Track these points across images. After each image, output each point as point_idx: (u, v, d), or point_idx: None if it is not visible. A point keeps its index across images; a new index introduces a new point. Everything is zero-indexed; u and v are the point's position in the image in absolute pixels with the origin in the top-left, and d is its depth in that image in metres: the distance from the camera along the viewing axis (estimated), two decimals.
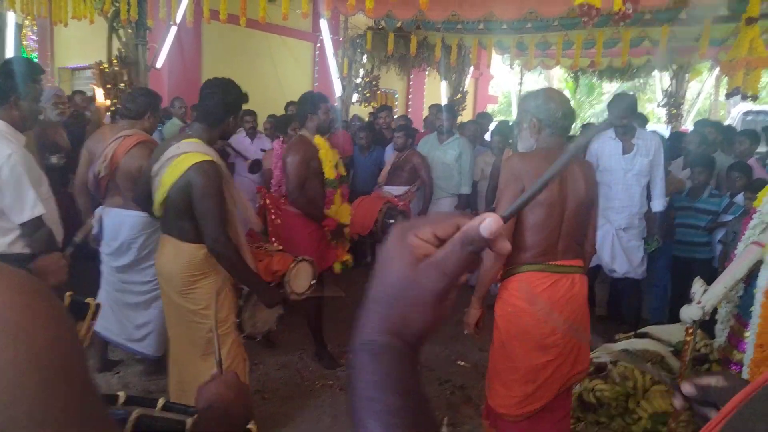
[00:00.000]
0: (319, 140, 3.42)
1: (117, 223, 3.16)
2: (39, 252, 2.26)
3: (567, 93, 18.83)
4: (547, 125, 2.16)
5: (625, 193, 3.93)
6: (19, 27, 8.66)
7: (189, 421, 0.92)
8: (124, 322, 3.31)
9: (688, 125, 10.14)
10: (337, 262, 3.66)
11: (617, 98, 4.00)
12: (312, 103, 3.44)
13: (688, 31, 6.70)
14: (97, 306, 1.67)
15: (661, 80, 10.55)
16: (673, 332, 2.98)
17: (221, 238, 2.32)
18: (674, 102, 9.50)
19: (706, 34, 5.75)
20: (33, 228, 2.29)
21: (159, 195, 2.39)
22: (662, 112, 9.66)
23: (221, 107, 2.45)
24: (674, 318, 3.58)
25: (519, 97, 12.55)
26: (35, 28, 9.66)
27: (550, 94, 2.23)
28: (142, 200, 2.64)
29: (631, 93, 4.35)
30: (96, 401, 0.54)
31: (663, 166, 3.96)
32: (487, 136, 6.78)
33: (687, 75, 9.50)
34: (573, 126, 2.21)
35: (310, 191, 3.42)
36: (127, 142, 3.10)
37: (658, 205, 3.97)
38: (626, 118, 3.85)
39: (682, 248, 4.19)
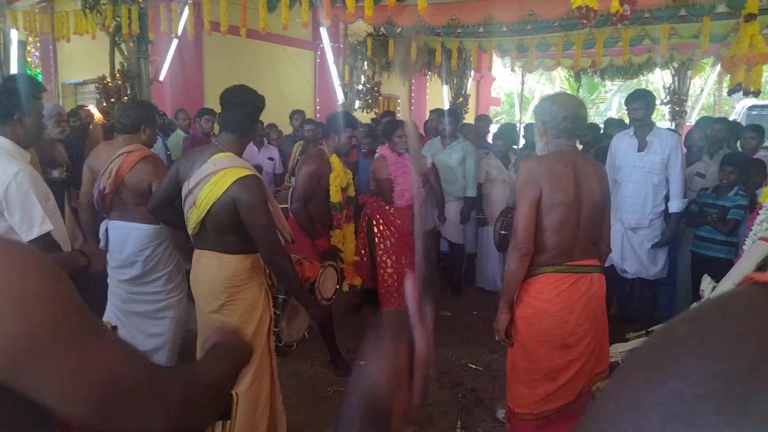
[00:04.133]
0: (334, 160, 3.44)
1: (122, 236, 3.17)
2: None
3: (568, 92, 18.86)
4: (551, 127, 2.20)
5: (636, 191, 3.91)
6: (23, 44, 8.74)
7: None
8: (134, 332, 3.31)
9: (692, 122, 10.11)
10: (345, 282, 3.67)
11: (633, 94, 3.98)
12: (338, 123, 3.48)
13: (689, 28, 6.70)
14: (114, 328, 1.68)
15: (663, 77, 10.53)
16: None
17: (279, 249, 2.33)
18: (677, 99, 9.49)
19: (706, 30, 5.74)
20: (42, 245, 2.31)
21: (196, 213, 2.32)
22: (665, 110, 9.64)
23: (250, 116, 2.44)
24: None
25: (521, 98, 12.57)
26: (38, 44, 9.74)
27: (555, 97, 2.29)
28: (159, 211, 2.63)
29: (648, 90, 4.32)
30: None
31: (681, 166, 3.87)
32: (490, 138, 6.80)
33: (689, 72, 9.49)
34: (578, 127, 2.21)
35: (314, 206, 3.44)
36: (130, 158, 3.12)
37: (675, 205, 3.90)
38: (641, 110, 3.83)
39: (701, 244, 4.05)
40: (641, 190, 3.91)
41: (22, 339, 0.56)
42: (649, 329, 3.26)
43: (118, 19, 6.08)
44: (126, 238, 3.16)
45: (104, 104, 6.17)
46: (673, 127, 9.06)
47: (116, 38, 6.25)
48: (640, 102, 3.88)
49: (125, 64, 6.25)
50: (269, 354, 2.53)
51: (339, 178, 3.43)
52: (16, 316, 0.56)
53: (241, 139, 2.43)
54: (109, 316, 3.26)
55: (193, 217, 2.35)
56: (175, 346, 3.29)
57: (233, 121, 2.42)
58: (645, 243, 3.98)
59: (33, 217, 2.30)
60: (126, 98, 6.05)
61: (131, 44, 6.21)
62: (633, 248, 4.00)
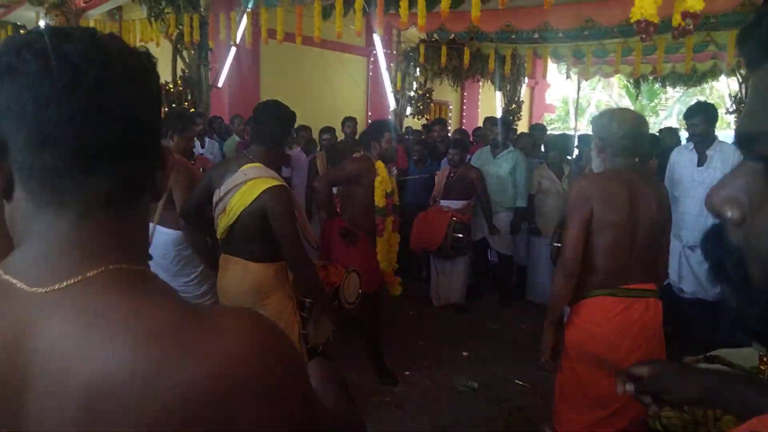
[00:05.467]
0: (379, 165, 3.45)
1: (152, 241, 3.26)
2: None
3: (627, 100, 18.21)
4: (609, 145, 2.12)
5: (696, 208, 3.74)
6: None
7: None
8: None
9: None
10: (396, 286, 3.68)
11: (693, 108, 3.82)
12: (376, 131, 3.54)
13: None
14: None
15: (728, 85, 10.06)
16: (746, 357, 2.80)
17: (303, 257, 2.41)
18: (743, 108, 9.04)
19: None
20: None
21: (226, 219, 2.45)
22: (731, 119, 9.20)
23: (279, 129, 2.54)
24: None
25: (576, 105, 12.26)
26: None
27: (615, 113, 2.20)
28: (191, 215, 2.74)
29: (710, 102, 4.13)
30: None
31: None
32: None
33: None
34: (639, 146, 2.13)
35: (357, 210, 3.47)
36: None
37: None
38: (700, 125, 3.68)
39: None
40: (701, 207, 3.74)
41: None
42: (709, 353, 3.12)
43: (181, 27, 6.34)
44: (156, 240, 3.25)
45: (165, 109, 6.41)
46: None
47: (178, 46, 6.51)
48: (700, 117, 3.71)
49: (186, 70, 6.50)
50: (303, 355, 2.60)
51: (384, 183, 3.43)
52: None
53: (270, 151, 2.53)
54: None
55: (222, 223, 2.47)
56: None
57: (262, 133, 2.54)
58: (704, 262, 3.79)
59: None
60: (186, 104, 6.28)
61: (192, 52, 6.45)
62: (691, 267, 3.82)
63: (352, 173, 3.45)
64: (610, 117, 2.15)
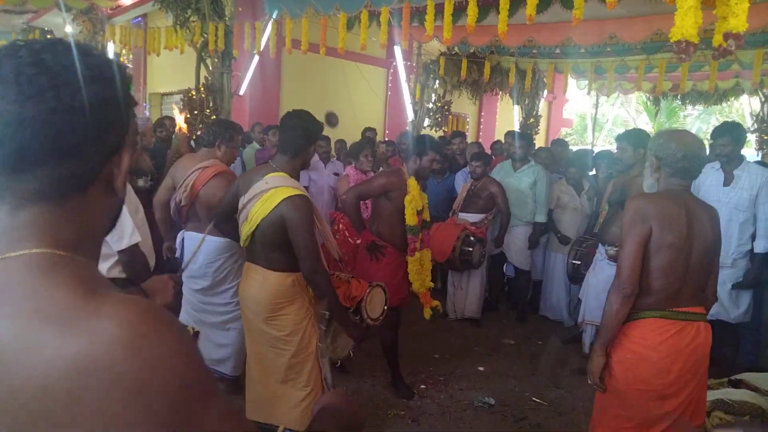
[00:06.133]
0: (412, 182, 3.43)
1: (195, 247, 3.31)
2: (134, 277, 2.39)
3: (645, 117, 18.10)
4: (666, 165, 2.12)
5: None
6: (117, 56, 9.37)
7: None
8: (204, 341, 3.44)
9: None
10: (427, 309, 3.66)
11: (721, 128, 3.80)
12: (422, 146, 3.49)
13: None
14: (196, 333, 1.75)
15: (750, 104, 9.95)
16: None
17: (319, 268, 2.42)
18: (766, 128, 8.94)
19: None
20: (130, 255, 2.44)
21: (248, 227, 2.49)
22: (752, 138, 9.10)
23: (303, 139, 2.56)
24: None
25: (594, 121, 12.20)
26: (131, 56, 10.40)
27: (675, 134, 2.20)
28: (222, 224, 2.79)
29: (738, 122, 4.11)
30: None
31: None
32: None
33: None
34: (695, 168, 2.12)
35: (387, 227, 3.45)
36: (206, 174, 3.28)
37: (762, 245, 3.66)
38: (729, 146, 3.65)
39: None
40: (726, 227, 3.66)
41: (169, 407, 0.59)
42: (733, 377, 3.07)
43: (206, 35, 6.41)
44: (199, 249, 3.29)
45: (187, 115, 6.48)
46: (759, 157, 8.53)
47: (203, 53, 6.58)
48: (728, 137, 3.68)
49: (209, 78, 6.57)
50: (320, 368, 2.60)
51: (415, 201, 3.40)
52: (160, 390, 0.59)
53: (293, 160, 2.56)
54: (182, 320, 3.41)
55: (244, 231, 2.51)
56: (241, 357, 3.38)
57: (286, 142, 2.56)
58: (727, 283, 3.74)
59: (123, 228, 2.42)
60: (208, 111, 6.35)
61: (216, 60, 6.52)
62: None
63: (383, 187, 3.43)
64: (668, 137, 2.15)
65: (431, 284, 3.69)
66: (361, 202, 3.74)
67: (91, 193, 0.70)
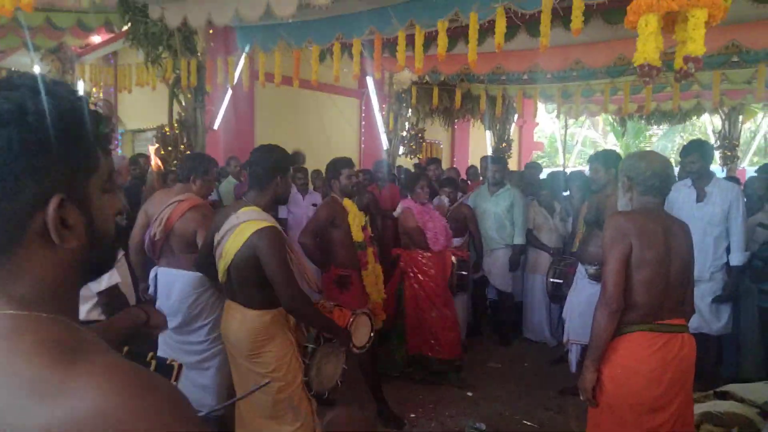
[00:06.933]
0: (347, 202, 3.55)
1: (169, 283, 3.24)
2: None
3: (612, 137, 18.59)
4: (637, 184, 2.21)
5: (695, 244, 3.78)
6: (87, 94, 9.28)
7: None
8: (185, 382, 3.34)
9: (744, 167, 9.82)
10: (377, 318, 3.66)
11: (689, 146, 3.94)
12: (333, 169, 3.63)
13: (741, 74, 6.59)
14: (180, 367, 1.70)
15: (712, 121, 10.32)
16: (758, 391, 2.80)
17: (296, 295, 2.39)
18: (728, 144, 9.28)
19: (762, 77, 5.64)
20: (110, 296, 2.38)
21: (223, 263, 2.49)
22: (717, 154, 9.43)
23: (267, 170, 2.57)
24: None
25: (564, 143, 12.49)
26: (101, 95, 10.32)
27: (643, 154, 2.31)
28: (205, 267, 2.76)
29: (705, 140, 4.30)
30: None
31: (742, 217, 3.77)
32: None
33: (741, 116, 9.29)
34: (666, 185, 2.22)
35: (340, 250, 3.54)
36: (181, 207, 3.24)
37: (736, 258, 3.77)
38: (697, 163, 3.77)
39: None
40: (700, 242, 3.77)
41: None
42: (718, 389, 3.11)
43: (178, 71, 6.41)
44: (172, 284, 3.23)
45: (162, 152, 6.42)
46: (725, 173, 8.82)
47: (175, 90, 6.57)
48: (696, 154, 3.81)
49: (182, 113, 6.55)
50: (309, 401, 2.57)
51: (357, 217, 3.52)
52: None
53: (262, 193, 2.57)
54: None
55: (221, 267, 2.51)
56: (223, 397, 3.28)
57: (252, 177, 2.60)
58: (706, 297, 3.82)
59: None
60: (182, 146, 6.30)
61: (189, 95, 6.51)
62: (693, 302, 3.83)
63: (328, 216, 3.52)
64: (638, 158, 2.26)
65: (384, 296, 3.74)
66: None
67: (29, 245, 0.64)
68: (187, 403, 0.62)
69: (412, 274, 4.27)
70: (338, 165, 3.62)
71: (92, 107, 0.72)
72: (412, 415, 3.70)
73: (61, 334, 0.61)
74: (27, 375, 0.55)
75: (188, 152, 6.17)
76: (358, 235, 3.50)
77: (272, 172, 2.57)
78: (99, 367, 0.57)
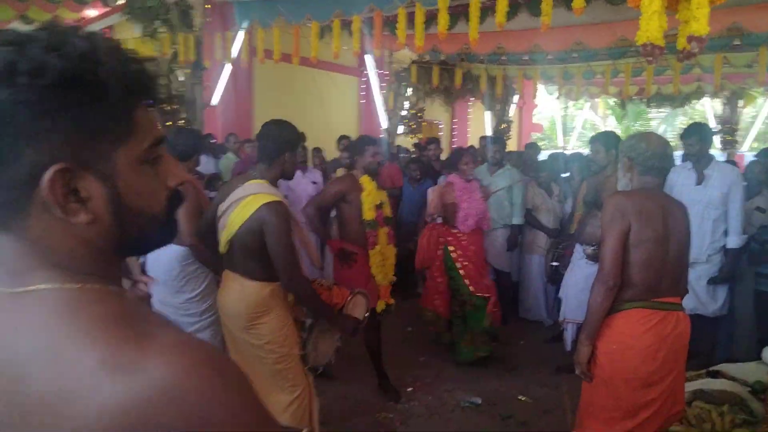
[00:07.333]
0: (365, 180, 3.50)
1: (156, 255, 3.24)
2: None
3: (612, 120, 18.53)
4: (637, 164, 2.23)
5: (694, 226, 3.80)
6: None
7: None
8: None
9: (744, 151, 9.84)
10: (381, 301, 3.66)
11: (689, 129, 3.94)
12: (358, 146, 3.62)
13: (742, 58, 6.57)
14: None
15: (713, 106, 10.31)
16: (749, 371, 2.85)
17: (296, 275, 2.41)
18: (728, 128, 9.27)
19: (763, 60, 5.62)
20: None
21: (226, 234, 2.49)
22: (716, 139, 9.43)
23: (276, 145, 2.57)
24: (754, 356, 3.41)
25: (564, 125, 12.45)
26: None
27: (643, 135, 2.32)
28: (204, 231, 2.75)
29: (704, 123, 4.31)
30: None
31: (741, 201, 3.79)
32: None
33: (741, 101, 9.26)
34: (665, 166, 2.24)
35: (347, 226, 3.52)
36: None
37: (734, 241, 3.80)
38: (696, 145, 3.78)
39: (766, 282, 3.92)
40: (699, 225, 3.79)
41: None
42: (711, 368, 3.15)
43: (176, 47, 6.34)
44: (159, 257, 3.23)
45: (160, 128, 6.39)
46: (725, 157, 8.83)
47: (172, 65, 6.50)
48: (695, 137, 3.81)
49: (181, 89, 6.49)
50: (305, 373, 2.60)
51: (371, 196, 3.47)
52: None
53: (270, 168, 2.56)
54: None
55: (223, 237, 2.51)
56: None
57: (262, 151, 2.60)
58: (702, 279, 3.86)
59: None
60: (181, 122, 6.27)
61: (187, 71, 6.45)
62: (690, 284, 3.86)
63: (338, 193, 3.50)
64: (638, 138, 2.28)
65: (393, 278, 3.70)
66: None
67: (40, 216, 0.59)
68: (252, 385, 0.60)
69: (457, 251, 4.19)
70: (363, 142, 3.63)
71: (136, 66, 0.64)
72: (410, 389, 3.75)
73: (119, 307, 0.59)
74: (94, 354, 0.53)
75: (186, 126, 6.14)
76: (369, 213, 3.47)
77: (282, 146, 2.57)
78: (168, 346, 0.55)
